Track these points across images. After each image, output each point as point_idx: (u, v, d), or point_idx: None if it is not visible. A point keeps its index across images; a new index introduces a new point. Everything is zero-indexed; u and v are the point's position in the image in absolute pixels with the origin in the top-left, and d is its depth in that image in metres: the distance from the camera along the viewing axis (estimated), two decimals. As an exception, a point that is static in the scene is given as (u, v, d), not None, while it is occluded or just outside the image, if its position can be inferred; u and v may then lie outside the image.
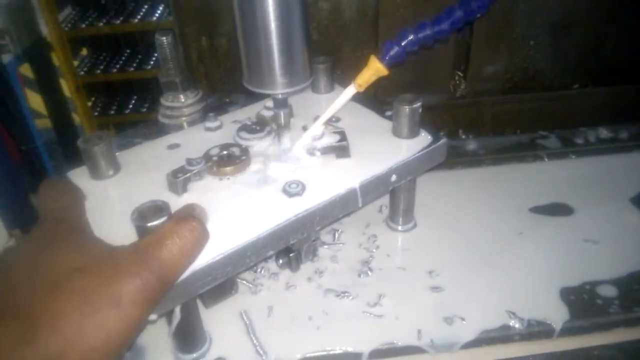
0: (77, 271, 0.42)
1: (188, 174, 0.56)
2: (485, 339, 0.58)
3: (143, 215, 0.46)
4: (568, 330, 0.58)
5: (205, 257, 0.47)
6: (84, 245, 0.45)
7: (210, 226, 0.49)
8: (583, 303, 0.60)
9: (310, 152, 0.61)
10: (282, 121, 0.61)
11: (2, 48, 2.19)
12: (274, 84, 0.57)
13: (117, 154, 0.61)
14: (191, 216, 0.46)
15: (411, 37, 0.57)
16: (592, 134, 0.91)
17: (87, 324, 0.40)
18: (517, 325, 0.58)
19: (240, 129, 0.65)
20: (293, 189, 0.55)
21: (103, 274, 0.42)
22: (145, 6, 2.77)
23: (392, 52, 0.57)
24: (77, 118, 2.82)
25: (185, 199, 0.55)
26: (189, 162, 0.57)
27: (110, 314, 0.40)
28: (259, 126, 0.65)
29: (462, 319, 0.59)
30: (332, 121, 0.67)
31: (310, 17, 0.85)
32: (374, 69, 0.58)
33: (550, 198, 0.77)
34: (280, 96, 0.59)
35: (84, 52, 2.92)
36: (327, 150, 0.61)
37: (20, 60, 2.32)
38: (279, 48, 0.54)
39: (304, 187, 0.56)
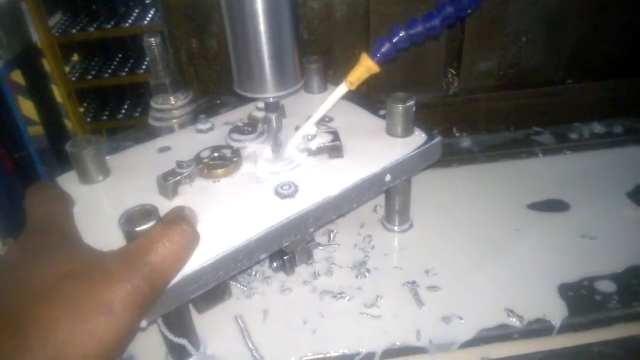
0: (66, 278, 0.41)
1: (178, 177, 0.55)
2: (484, 338, 0.57)
3: (131, 219, 0.45)
4: (567, 327, 0.58)
5: (196, 261, 0.46)
6: (72, 252, 0.45)
7: (201, 229, 0.48)
8: (582, 299, 0.60)
9: (303, 152, 0.60)
10: (274, 124, 0.61)
11: (-8, 55, 2.17)
12: (264, 87, 0.56)
13: (107, 157, 0.61)
14: (181, 219, 0.45)
15: (402, 33, 0.56)
16: (587, 129, 0.91)
17: (78, 331, 0.39)
18: (515, 323, 0.57)
19: (231, 131, 0.64)
20: (285, 191, 0.54)
21: (92, 280, 0.41)
22: (136, 10, 2.76)
23: (383, 49, 0.57)
24: (69, 124, 2.81)
25: (176, 203, 0.54)
26: (180, 164, 0.56)
27: (101, 321, 0.39)
28: (250, 127, 0.64)
29: (460, 317, 0.58)
30: (325, 121, 0.66)
31: (299, 17, 0.84)
32: (365, 67, 0.58)
33: (546, 194, 0.76)
34: (271, 100, 0.58)
35: (75, 57, 2.92)
36: (320, 151, 0.60)
37: (10, 67, 2.30)
38: (269, 51, 0.54)
39: (296, 189, 0.55)
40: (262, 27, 0.52)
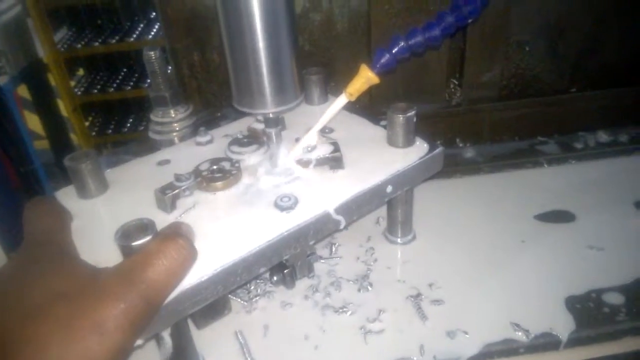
0: (59, 297, 0.40)
1: (176, 190, 0.54)
2: (490, 353, 0.56)
3: (127, 234, 0.44)
4: (575, 341, 0.56)
5: (194, 276, 0.45)
6: (67, 270, 0.44)
7: (200, 243, 0.47)
8: (589, 312, 0.58)
9: (303, 164, 0.60)
10: (274, 139, 0.60)
11: (-2, 70, 2.19)
12: (264, 103, 0.56)
13: (106, 171, 0.60)
14: (177, 234, 0.44)
15: (402, 44, 0.56)
16: (592, 138, 0.90)
17: (70, 351, 0.38)
18: (522, 338, 0.56)
19: (231, 143, 0.63)
20: (285, 203, 0.54)
21: (85, 299, 0.40)
22: (141, 25, 2.78)
23: (382, 60, 0.56)
24: (75, 138, 2.82)
25: (175, 216, 0.53)
26: (178, 177, 0.55)
27: (94, 341, 0.38)
28: (250, 140, 0.63)
29: (465, 332, 0.57)
30: (325, 132, 0.65)
31: (301, 30, 0.84)
32: (365, 78, 0.57)
33: (552, 205, 0.75)
34: (271, 115, 0.58)
35: (81, 72, 2.93)
36: (320, 162, 0.60)
37: (16, 81, 2.32)
38: (268, 67, 0.53)
39: (296, 201, 0.54)
40: (260, 44, 0.52)
